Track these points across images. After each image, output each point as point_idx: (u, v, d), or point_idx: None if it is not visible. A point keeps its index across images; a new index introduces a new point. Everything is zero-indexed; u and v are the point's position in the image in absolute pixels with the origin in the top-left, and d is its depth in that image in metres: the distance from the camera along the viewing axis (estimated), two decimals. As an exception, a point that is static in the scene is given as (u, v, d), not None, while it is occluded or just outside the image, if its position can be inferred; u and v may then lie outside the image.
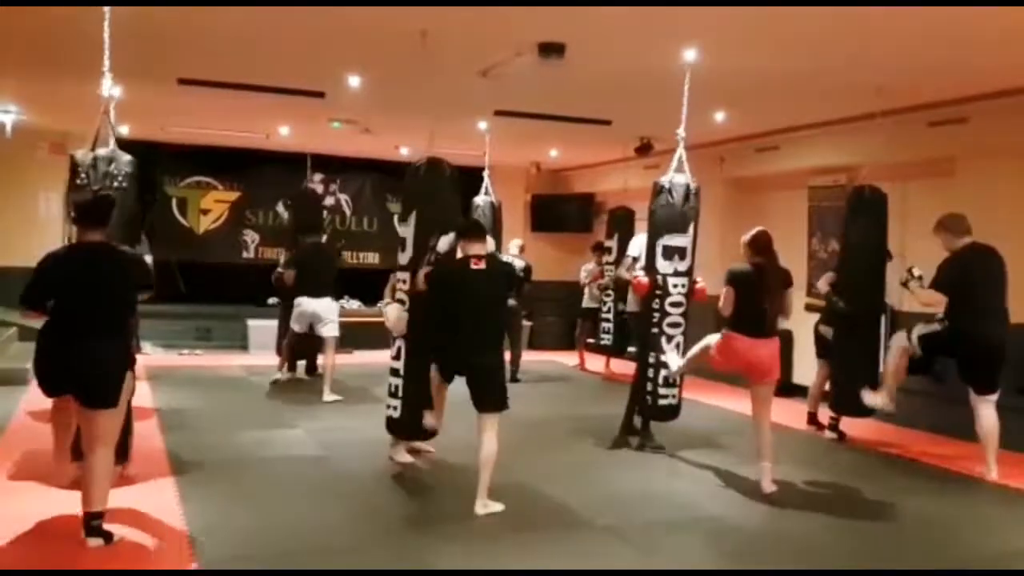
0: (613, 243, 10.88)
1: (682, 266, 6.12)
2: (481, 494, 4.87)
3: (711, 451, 6.51)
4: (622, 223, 10.95)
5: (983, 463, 5.94)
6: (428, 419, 5.44)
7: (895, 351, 6.28)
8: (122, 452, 4.91)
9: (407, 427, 5.72)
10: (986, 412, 5.90)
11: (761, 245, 5.53)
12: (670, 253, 6.12)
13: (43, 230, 10.47)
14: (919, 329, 6.12)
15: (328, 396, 8.13)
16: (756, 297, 5.40)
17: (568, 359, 11.64)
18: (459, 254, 5.23)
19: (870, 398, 6.46)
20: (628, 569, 4.22)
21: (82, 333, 4.13)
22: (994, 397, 5.90)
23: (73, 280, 4.18)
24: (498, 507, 4.86)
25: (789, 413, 7.52)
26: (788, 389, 8.49)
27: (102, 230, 4.28)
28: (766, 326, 5.44)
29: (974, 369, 5.93)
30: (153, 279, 4.93)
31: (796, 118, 8.69)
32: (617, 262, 10.11)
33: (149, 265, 5.12)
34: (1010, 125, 6.97)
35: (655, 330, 6.18)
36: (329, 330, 8.36)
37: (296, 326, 8.48)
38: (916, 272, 6.11)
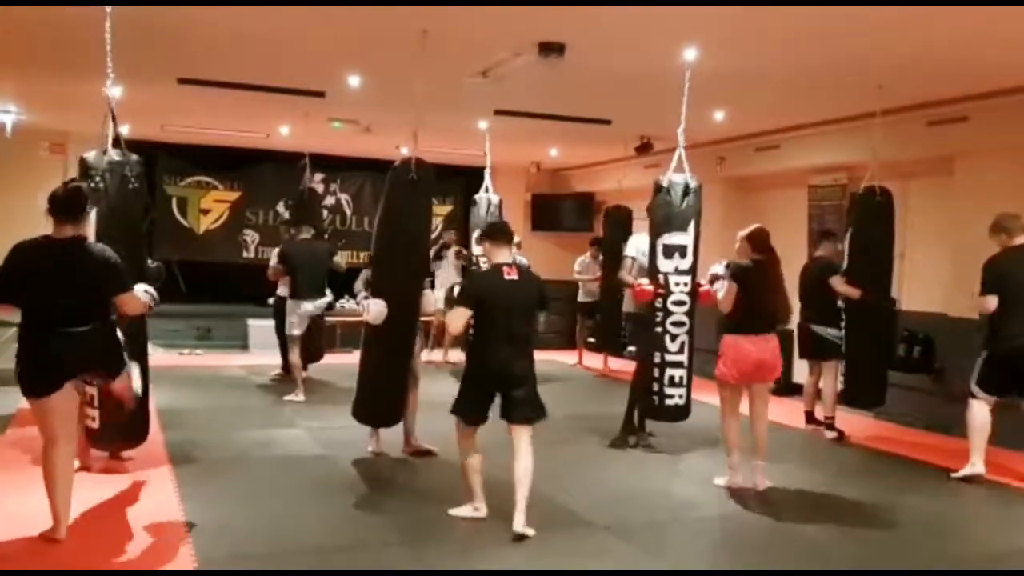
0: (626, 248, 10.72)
1: (684, 264, 6.11)
2: (520, 510, 4.50)
3: (711, 450, 6.50)
4: (619, 222, 10.87)
5: (968, 460, 5.84)
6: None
7: (976, 415, 5.84)
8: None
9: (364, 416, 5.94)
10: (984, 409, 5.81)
11: (760, 242, 5.53)
12: (670, 251, 6.10)
13: (42, 230, 10.43)
14: (973, 379, 5.83)
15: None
16: (757, 294, 5.39)
17: (568, 358, 11.64)
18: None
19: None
20: (628, 569, 4.22)
21: (55, 327, 4.02)
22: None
23: (41, 276, 4.05)
24: (531, 531, 4.49)
25: (789, 413, 7.52)
26: (788, 388, 8.50)
27: (76, 224, 4.17)
28: (767, 323, 5.43)
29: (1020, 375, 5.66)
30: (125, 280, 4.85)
31: (796, 117, 8.70)
32: (605, 263, 10.10)
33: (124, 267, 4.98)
34: (1009, 124, 6.97)
35: (659, 329, 6.16)
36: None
37: (297, 330, 8.30)
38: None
